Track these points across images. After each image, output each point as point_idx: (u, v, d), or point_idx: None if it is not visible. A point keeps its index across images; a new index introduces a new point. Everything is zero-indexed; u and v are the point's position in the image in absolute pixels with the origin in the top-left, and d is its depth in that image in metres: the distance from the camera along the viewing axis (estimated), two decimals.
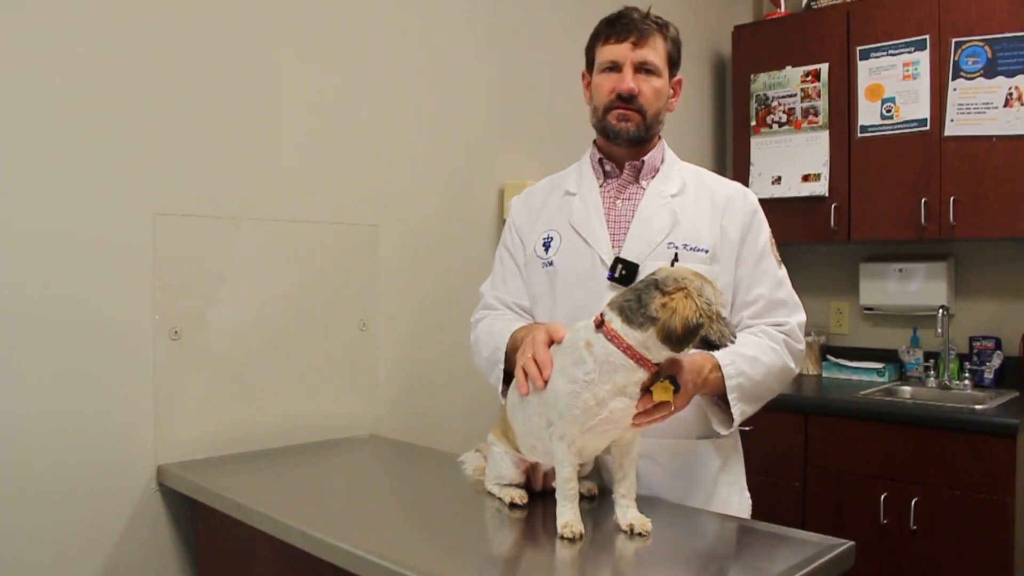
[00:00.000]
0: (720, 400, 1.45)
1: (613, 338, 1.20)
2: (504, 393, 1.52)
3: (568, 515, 1.24)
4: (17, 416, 1.60)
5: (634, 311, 1.19)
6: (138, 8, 1.76)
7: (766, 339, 1.50)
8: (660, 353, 1.20)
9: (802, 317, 1.56)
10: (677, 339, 1.17)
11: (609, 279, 1.50)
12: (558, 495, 1.27)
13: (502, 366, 1.52)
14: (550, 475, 1.43)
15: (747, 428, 1.65)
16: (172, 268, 1.82)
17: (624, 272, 1.49)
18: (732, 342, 1.22)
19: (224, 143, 1.91)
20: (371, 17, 2.23)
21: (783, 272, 1.58)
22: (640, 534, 1.28)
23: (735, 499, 1.58)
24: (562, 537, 1.23)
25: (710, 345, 1.21)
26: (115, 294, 1.73)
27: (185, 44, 1.84)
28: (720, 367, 1.39)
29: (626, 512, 1.30)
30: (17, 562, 1.60)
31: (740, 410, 1.44)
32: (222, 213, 1.91)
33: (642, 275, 1.48)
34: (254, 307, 1.96)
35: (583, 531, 1.23)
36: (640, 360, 1.20)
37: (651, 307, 1.17)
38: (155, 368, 1.79)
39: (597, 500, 1.44)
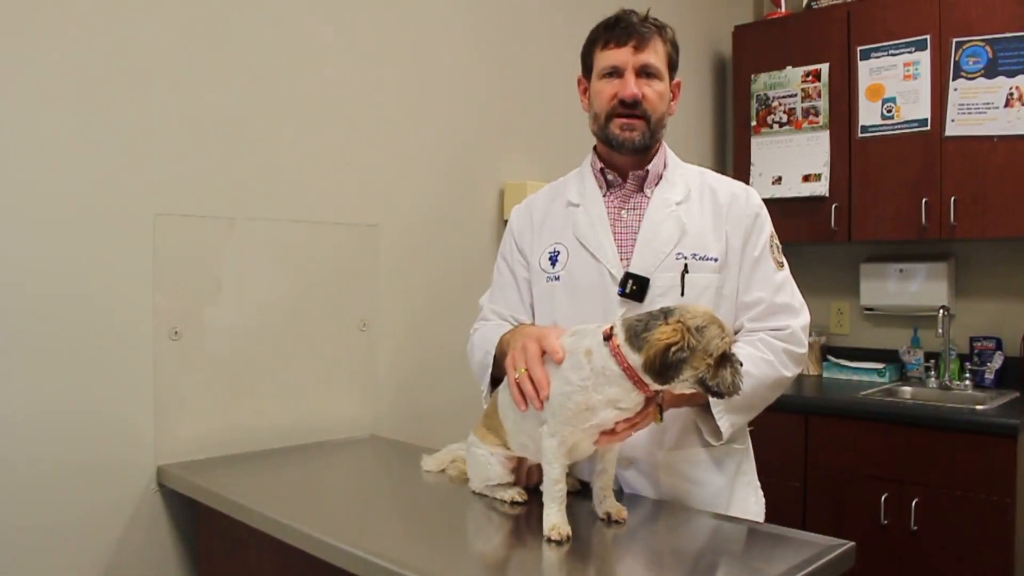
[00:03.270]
0: (708, 411, 1.44)
1: (616, 354, 1.20)
2: (487, 397, 1.52)
3: (555, 517, 1.24)
4: (17, 416, 1.60)
5: (637, 334, 1.18)
6: (138, 8, 1.76)
7: (762, 349, 1.47)
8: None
9: (805, 320, 1.53)
10: (654, 369, 1.16)
11: (620, 295, 1.48)
12: (545, 497, 1.26)
13: (491, 371, 1.52)
14: (534, 471, 1.43)
15: (749, 428, 1.64)
16: (172, 268, 1.81)
17: (635, 287, 1.47)
18: (735, 392, 1.19)
19: (224, 144, 1.91)
20: (371, 17, 2.23)
21: (784, 273, 1.55)
22: (617, 521, 1.32)
23: (752, 499, 1.58)
24: (549, 540, 1.22)
25: (708, 389, 1.18)
26: (115, 294, 1.73)
27: (185, 44, 1.84)
28: None
29: (603, 502, 1.34)
30: (18, 563, 1.60)
31: (729, 421, 1.43)
32: (222, 213, 1.91)
33: (653, 288, 1.48)
34: (254, 307, 1.96)
35: (570, 533, 1.23)
36: (637, 382, 1.19)
37: (650, 334, 1.17)
38: (155, 368, 1.79)
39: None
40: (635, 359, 1.18)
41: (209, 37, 1.88)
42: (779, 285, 1.53)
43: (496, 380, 1.51)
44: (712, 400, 1.38)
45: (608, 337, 1.22)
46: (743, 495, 1.56)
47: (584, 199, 1.59)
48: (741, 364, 1.21)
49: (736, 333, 1.54)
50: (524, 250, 1.65)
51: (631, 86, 1.49)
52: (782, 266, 1.56)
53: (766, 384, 1.45)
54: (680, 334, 1.15)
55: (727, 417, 1.42)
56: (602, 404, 1.21)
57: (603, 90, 1.52)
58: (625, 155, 1.54)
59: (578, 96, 1.65)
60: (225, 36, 1.91)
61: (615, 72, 1.51)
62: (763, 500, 1.61)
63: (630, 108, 1.49)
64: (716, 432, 1.45)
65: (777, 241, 1.58)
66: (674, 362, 1.15)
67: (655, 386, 1.19)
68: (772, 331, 1.50)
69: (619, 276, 1.49)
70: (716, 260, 1.50)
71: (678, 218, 1.52)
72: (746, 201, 1.55)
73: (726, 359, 1.18)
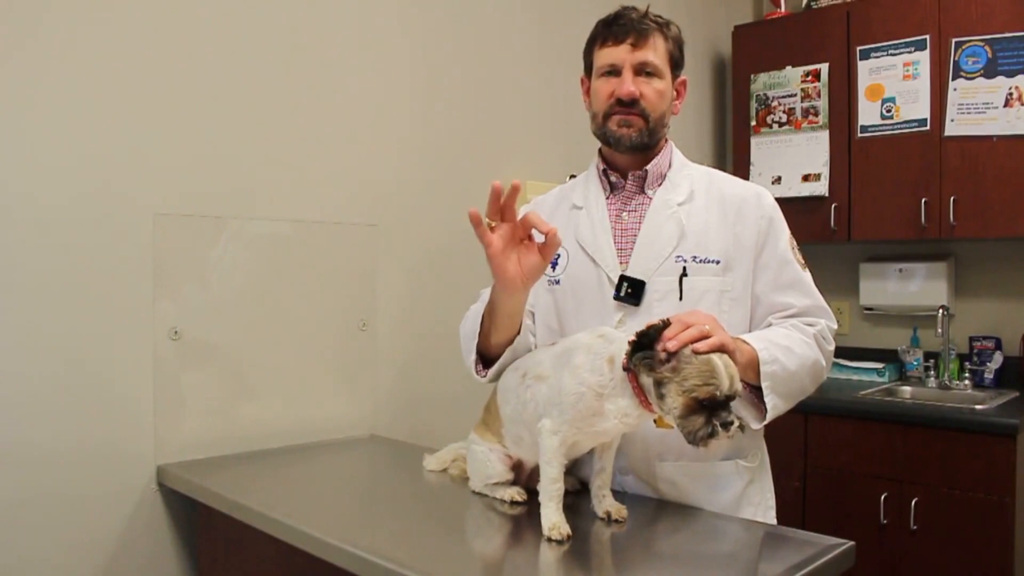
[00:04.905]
0: (752, 394, 1.39)
1: (628, 371, 1.19)
2: (479, 371, 1.46)
3: (554, 516, 1.24)
4: (16, 416, 1.60)
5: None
6: (138, 8, 1.76)
7: (797, 332, 1.43)
8: (658, 408, 1.18)
9: (834, 324, 1.51)
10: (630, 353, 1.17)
11: (615, 298, 1.45)
12: (543, 496, 1.26)
13: (477, 338, 1.45)
14: (534, 471, 1.42)
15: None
16: (172, 268, 1.81)
17: (630, 291, 1.44)
18: (695, 443, 1.14)
19: (224, 143, 1.91)
20: (370, 17, 2.23)
21: (808, 275, 1.52)
22: (616, 520, 1.31)
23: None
24: (549, 539, 1.22)
25: (679, 425, 1.16)
26: (115, 294, 1.73)
27: (186, 44, 1.84)
28: (756, 351, 1.33)
29: (603, 501, 1.33)
30: (17, 562, 1.60)
31: (772, 403, 1.36)
32: (222, 213, 1.91)
33: (650, 292, 1.45)
34: (254, 307, 1.96)
35: (570, 532, 1.23)
36: (644, 402, 1.19)
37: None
38: (155, 368, 1.79)
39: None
40: (645, 380, 1.18)
41: (210, 37, 1.88)
42: (808, 288, 1.51)
43: (484, 358, 1.46)
44: (762, 373, 1.33)
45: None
46: (751, 516, 1.48)
47: (587, 202, 1.57)
48: (728, 427, 1.13)
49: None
50: None
51: (627, 84, 1.46)
52: (804, 267, 1.53)
53: (807, 366, 1.40)
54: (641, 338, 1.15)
55: (771, 398, 1.35)
56: (612, 413, 1.21)
57: (601, 88, 1.50)
58: (624, 153, 1.52)
59: (576, 96, 1.63)
60: (226, 36, 1.91)
61: (613, 70, 1.48)
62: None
63: (627, 107, 1.47)
64: (757, 416, 1.40)
65: (794, 241, 1.56)
66: (643, 345, 1.15)
67: (656, 408, 1.19)
68: (805, 324, 1.47)
69: (616, 279, 1.47)
70: (718, 263, 1.47)
71: (678, 220, 1.49)
72: (758, 202, 1.52)
73: (707, 409, 1.13)
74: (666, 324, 1.17)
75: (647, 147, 1.51)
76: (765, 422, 1.40)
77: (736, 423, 1.14)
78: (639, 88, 1.47)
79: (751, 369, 1.34)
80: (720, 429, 1.13)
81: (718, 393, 1.13)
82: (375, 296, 2.23)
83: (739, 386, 1.16)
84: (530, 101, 2.67)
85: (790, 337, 1.42)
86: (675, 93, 1.56)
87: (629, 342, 1.18)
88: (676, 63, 1.54)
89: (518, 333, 1.42)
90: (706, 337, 1.16)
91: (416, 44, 2.34)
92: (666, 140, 1.57)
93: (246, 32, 1.95)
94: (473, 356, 1.47)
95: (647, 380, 1.17)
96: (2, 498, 1.58)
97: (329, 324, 2.12)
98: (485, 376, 1.46)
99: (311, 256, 2.08)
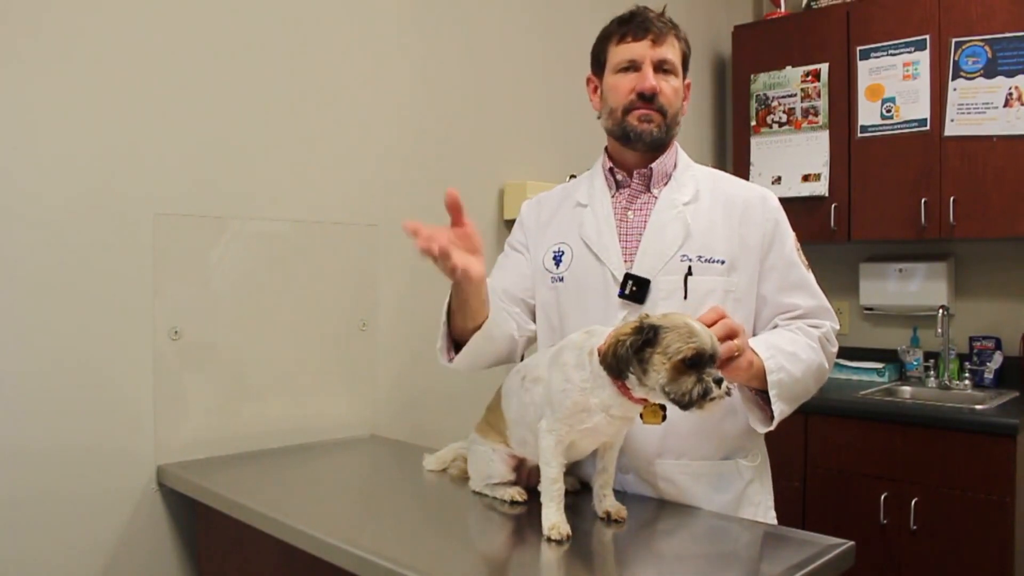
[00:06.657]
0: (758, 397, 1.40)
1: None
2: (449, 357, 1.51)
3: (554, 517, 1.24)
4: (16, 415, 1.60)
5: None
6: (138, 8, 1.76)
7: (803, 336, 1.45)
8: (641, 389, 1.17)
9: (837, 325, 1.52)
10: (606, 362, 1.17)
11: (620, 296, 1.46)
12: (544, 496, 1.26)
13: (445, 318, 1.49)
14: (535, 472, 1.42)
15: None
16: (172, 268, 1.81)
17: (635, 288, 1.45)
18: (690, 406, 1.12)
19: (224, 143, 1.91)
20: (370, 17, 2.23)
21: (811, 276, 1.53)
22: (616, 520, 1.32)
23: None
24: (549, 539, 1.22)
25: (668, 396, 1.14)
26: (115, 294, 1.73)
27: (186, 43, 1.84)
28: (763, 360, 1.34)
29: (603, 501, 1.33)
30: (17, 562, 1.60)
31: (779, 409, 1.37)
32: (222, 213, 1.91)
33: (655, 291, 1.45)
34: (254, 307, 1.96)
35: (570, 532, 1.23)
36: (622, 388, 1.18)
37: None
38: (155, 368, 1.79)
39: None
40: None
41: (210, 37, 1.88)
42: (813, 290, 1.52)
43: (458, 344, 1.50)
44: (769, 382, 1.34)
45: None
46: (751, 516, 1.49)
47: (592, 199, 1.57)
48: (719, 383, 1.12)
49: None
50: (530, 244, 1.65)
51: (650, 79, 1.47)
52: (808, 268, 1.54)
53: (812, 370, 1.42)
54: (632, 329, 1.14)
55: (779, 404, 1.36)
56: (597, 407, 1.21)
57: (619, 84, 1.50)
58: (640, 151, 1.52)
59: (580, 95, 1.63)
60: (225, 36, 1.91)
61: (632, 66, 1.49)
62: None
63: (648, 101, 1.48)
64: (764, 420, 1.41)
65: (798, 242, 1.56)
66: (622, 356, 1.14)
67: (638, 393, 1.18)
68: (810, 326, 1.48)
69: (621, 277, 1.47)
70: (723, 263, 1.47)
71: (684, 219, 1.49)
72: (763, 204, 1.52)
73: (694, 368, 1.12)
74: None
75: (663, 143, 1.53)
76: (771, 427, 1.42)
77: (725, 381, 1.15)
78: (659, 83, 1.48)
79: (757, 377, 1.35)
80: (713, 385, 1.12)
81: (705, 348, 1.13)
82: (375, 296, 2.23)
83: (719, 346, 1.17)
84: (530, 101, 2.67)
85: (796, 342, 1.43)
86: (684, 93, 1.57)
87: (605, 364, 1.17)
88: (686, 64, 1.56)
89: (486, 318, 1.45)
90: (732, 336, 1.23)
91: (416, 44, 2.34)
92: (673, 138, 1.58)
93: (246, 32, 1.95)
94: (440, 342, 1.52)
95: None
96: (2, 497, 1.58)
97: (329, 324, 2.12)
98: (452, 361, 1.50)
99: (311, 256, 2.08)
